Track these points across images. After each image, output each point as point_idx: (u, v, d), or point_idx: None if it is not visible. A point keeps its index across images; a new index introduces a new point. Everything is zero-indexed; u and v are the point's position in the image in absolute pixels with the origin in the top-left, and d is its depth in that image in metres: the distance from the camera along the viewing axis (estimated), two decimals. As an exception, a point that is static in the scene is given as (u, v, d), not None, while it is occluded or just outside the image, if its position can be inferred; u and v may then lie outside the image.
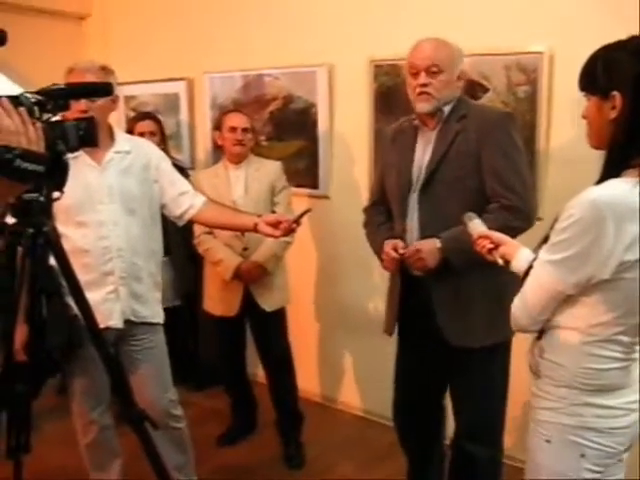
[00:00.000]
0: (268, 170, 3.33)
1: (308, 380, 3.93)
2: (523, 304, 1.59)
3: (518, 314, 1.60)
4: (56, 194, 1.78)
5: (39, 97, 1.66)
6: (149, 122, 3.79)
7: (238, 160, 3.31)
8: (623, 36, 1.52)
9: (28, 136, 1.48)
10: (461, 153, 2.33)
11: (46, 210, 1.80)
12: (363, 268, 3.49)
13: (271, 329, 3.38)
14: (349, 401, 3.92)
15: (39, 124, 1.55)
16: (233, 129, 3.27)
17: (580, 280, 1.47)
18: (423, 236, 2.38)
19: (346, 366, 3.93)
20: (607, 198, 1.41)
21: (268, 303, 3.28)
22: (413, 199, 2.42)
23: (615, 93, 1.45)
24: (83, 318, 1.95)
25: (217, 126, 3.40)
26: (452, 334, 2.38)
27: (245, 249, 3.21)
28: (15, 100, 1.52)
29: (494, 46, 2.99)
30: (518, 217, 2.27)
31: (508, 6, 2.99)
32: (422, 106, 2.36)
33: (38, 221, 1.78)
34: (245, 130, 3.29)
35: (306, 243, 3.81)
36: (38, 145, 1.51)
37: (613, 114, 1.47)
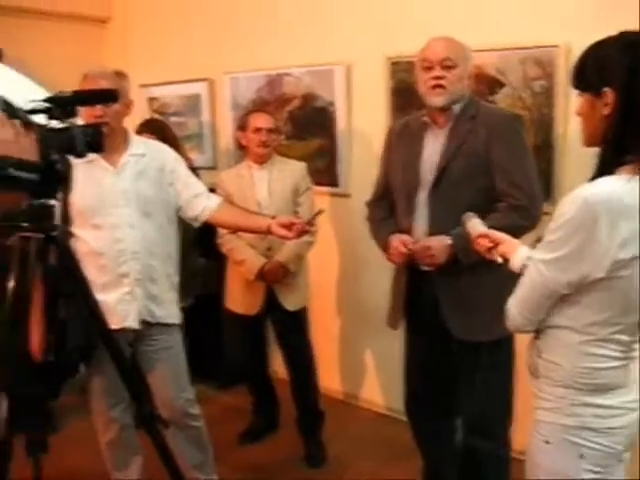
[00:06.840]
0: (292, 171, 3.32)
1: (330, 378, 3.94)
2: (517, 304, 1.57)
3: (513, 314, 1.59)
4: (52, 201, 1.82)
5: (47, 104, 1.71)
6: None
7: (262, 161, 3.29)
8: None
9: (21, 146, 1.52)
10: (471, 152, 2.35)
11: (55, 215, 1.83)
12: (384, 265, 3.46)
13: (293, 328, 3.40)
14: (371, 398, 3.92)
15: (33, 135, 1.59)
16: (258, 130, 3.24)
17: (573, 279, 1.45)
18: (432, 233, 2.40)
19: (367, 363, 3.93)
20: (600, 196, 1.39)
21: (290, 302, 3.30)
22: (422, 196, 2.44)
23: (607, 89, 1.43)
24: (94, 320, 1.99)
25: (241, 126, 3.36)
26: (457, 328, 2.41)
27: (268, 249, 3.22)
28: (10, 112, 1.56)
29: (510, 41, 2.96)
30: (525, 217, 2.30)
31: (523, 0, 2.95)
32: (436, 100, 2.38)
33: (48, 226, 1.81)
34: (270, 131, 3.26)
35: (327, 241, 3.81)
36: (31, 154, 1.56)
37: (606, 111, 1.45)
